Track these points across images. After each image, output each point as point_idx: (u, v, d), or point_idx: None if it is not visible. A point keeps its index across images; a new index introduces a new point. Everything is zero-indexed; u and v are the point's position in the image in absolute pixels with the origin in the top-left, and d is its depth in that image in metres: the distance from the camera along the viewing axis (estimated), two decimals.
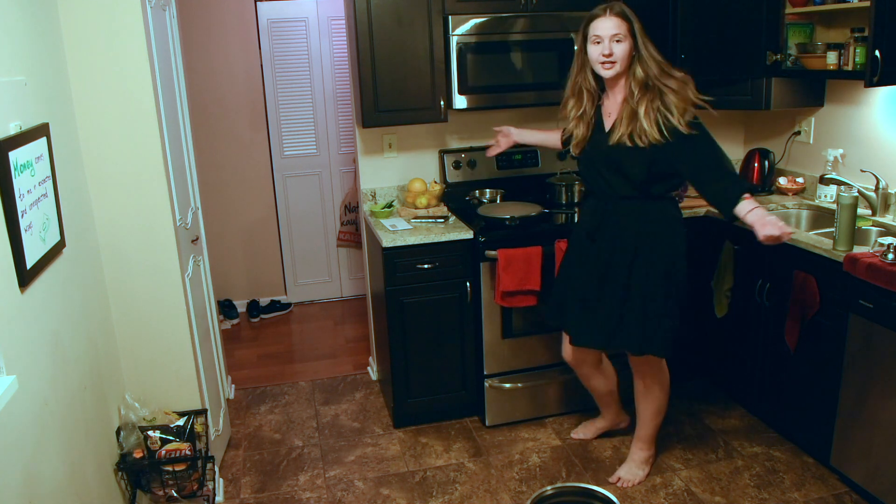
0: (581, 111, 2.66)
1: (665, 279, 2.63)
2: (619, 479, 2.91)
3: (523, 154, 3.70)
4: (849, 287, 2.61)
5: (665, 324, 2.64)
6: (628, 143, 2.51)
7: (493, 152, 3.24)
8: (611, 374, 3.07)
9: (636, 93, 2.50)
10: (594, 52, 2.53)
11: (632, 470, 2.93)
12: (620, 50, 2.49)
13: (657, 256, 2.63)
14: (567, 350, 2.98)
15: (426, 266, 3.17)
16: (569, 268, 2.84)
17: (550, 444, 3.21)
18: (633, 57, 2.51)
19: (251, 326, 4.90)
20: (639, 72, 2.50)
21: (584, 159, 2.74)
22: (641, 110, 2.47)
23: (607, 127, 2.62)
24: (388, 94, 3.25)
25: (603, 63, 2.52)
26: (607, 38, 2.48)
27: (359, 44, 3.18)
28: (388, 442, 3.30)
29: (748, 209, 2.41)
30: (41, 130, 1.99)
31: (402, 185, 3.69)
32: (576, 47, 2.65)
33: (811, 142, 3.54)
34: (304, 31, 4.78)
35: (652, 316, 2.63)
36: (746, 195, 2.43)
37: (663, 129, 2.46)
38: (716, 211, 3.35)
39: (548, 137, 3.12)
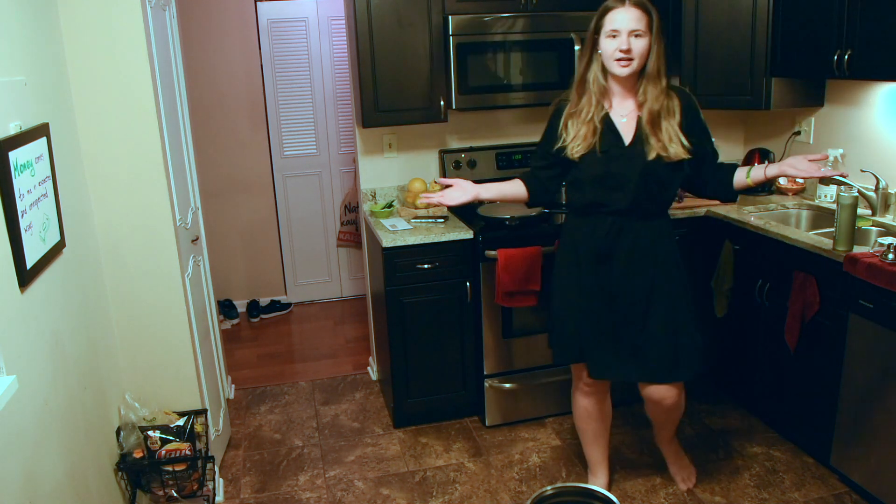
0: (590, 114, 2.34)
1: (686, 297, 2.48)
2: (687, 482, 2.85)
3: (523, 154, 3.70)
4: (849, 287, 2.61)
5: (695, 342, 2.46)
6: (665, 160, 2.30)
7: (436, 200, 2.51)
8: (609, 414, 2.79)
9: (652, 98, 2.28)
10: (609, 46, 2.25)
11: (689, 468, 2.88)
12: (639, 46, 2.23)
13: (676, 274, 2.46)
14: (585, 389, 2.67)
15: (426, 266, 3.17)
16: (571, 297, 2.51)
17: (550, 444, 3.21)
18: (650, 54, 2.26)
19: (251, 326, 4.90)
20: (654, 72, 2.27)
21: (596, 170, 2.36)
22: (663, 124, 2.29)
23: (627, 135, 2.35)
24: (388, 94, 3.25)
25: (619, 60, 2.24)
26: (625, 33, 2.21)
27: (359, 44, 3.18)
28: (388, 442, 3.30)
29: (759, 167, 2.39)
30: (41, 130, 1.99)
31: (402, 185, 3.69)
32: (576, 43, 2.46)
33: (811, 142, 3.54)
34: (304, 31, 4.78)
35: (680, 338, 2.43)
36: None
37: (682, 140, 2.31)
38: (717, 206, 3.36)
39: (509, 188, 2.58)
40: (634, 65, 2.25)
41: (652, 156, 2.29)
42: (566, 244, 2.52)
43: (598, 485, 2.76)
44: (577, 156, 2.35)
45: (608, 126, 2.35)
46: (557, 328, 2.56)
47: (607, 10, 2.26)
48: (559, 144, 2.40)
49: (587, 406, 2.69)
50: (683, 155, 2.30)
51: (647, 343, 2.43)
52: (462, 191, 2.49)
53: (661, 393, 2.52)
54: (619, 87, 2.35)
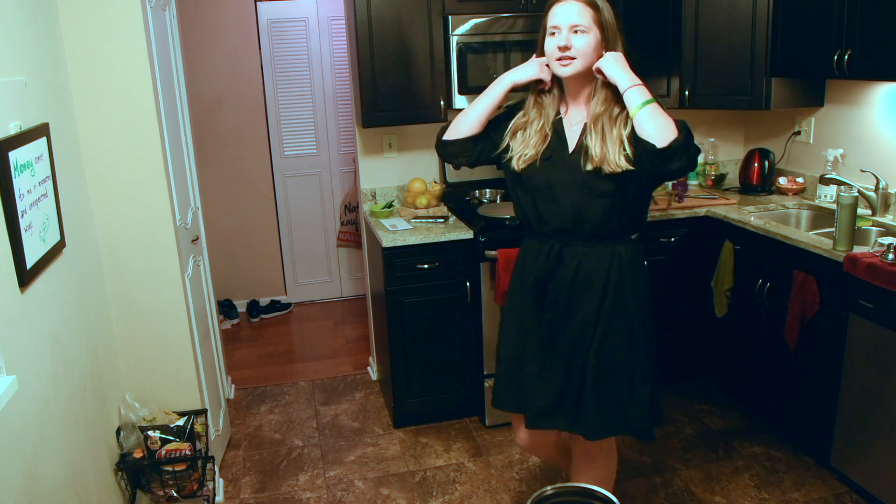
0: (541, 122, 2.09)
1: (640, 341, 2.10)
2: None
3: None
4: (849, 287, 2.61)
5: (642, 398, 2.09)
6: (606, 170, 1.97)
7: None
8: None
9: (599, 101, 2.00)
10: (550, 45, 1.99)
11: None
12: (582, 43, 1.94)
13: (624, 314, 2.08)
14: (523, 435, 2.32)
15: (426, 266, 3.17)
16: (512, 335, 2.21)
17: None
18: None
19: (251, 326, 4.90)
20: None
21: (536, 180, 2.08)
22: (614, 131, 1.98)
23: (573, 142, 2.06)
24: (388, 94, 3.25)
25: (560, 59, 1.97)
26: (566, 28, 1.95)
27: (359, 44, 3.18)
28: (388, 442, 3.30)
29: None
30: (41, 130, 1.99)
31: (402, 185, 3.69)
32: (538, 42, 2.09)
33: (811, 142, 3.54)
34: (304, 31, 4.78)
35: (623, 390, 2.08)
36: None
37: (627, 151, 1.97)
38: (717, 205, 3.36)
39: (488, 109, 2.15)
40: (578, 64, 1.97)
41: (589, 167, 1.99)
42: (515, 270, 2.25)
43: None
44: (522, 167, 2.09)
45: (557, 132, 2.09)
46: (499, 371, 2.26)
47: (550, 5, 2.01)
48: (499, 151, 2.16)
49: (532, 443, 2.36)
50: (626, 166, 1.95)
51: (577, 389, 2.10)
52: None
53: (585, 446, 2.21)
54: (572, 91, 2.08)
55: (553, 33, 1.99)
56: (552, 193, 2.07)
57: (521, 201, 2.17)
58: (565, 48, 1.96)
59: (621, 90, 1.93)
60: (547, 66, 2.06)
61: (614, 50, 1.99)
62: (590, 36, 1.96)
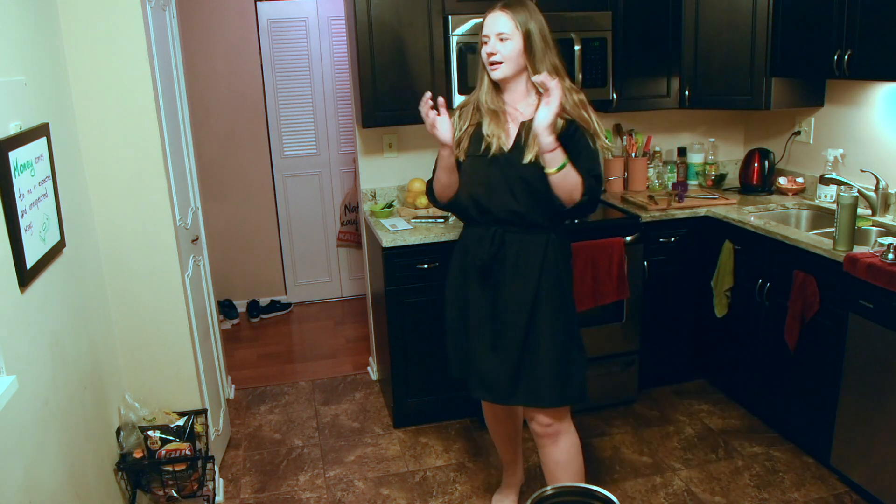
0: (472, 119, 2.33)
1: (571, 317, 2.35)
2: None
3: None
4: (849, 287, 2.61)
5: (580, 365, 2.34)
6: (542, 164, 2.16)
7: (432, 120, 2.28)
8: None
9: (534, 104, 2.20)
10: (483, 53, 2.25)
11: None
12: (507, 49, 2.18)
13: (560, 294, 2.31)
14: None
15: (426, 266, 3.17)
16: (458, 312, 2.44)
17: None
18: (531, 59, 2.21)
19: (251, 326, 4.90)
20: (534, 75, 2.18)
21: (477, 178, 2.31)
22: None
23: (510, 141, 2.27)
24: (388, 94, 3.25)
25: (490, 64, 2.23)
26: (493, 36, 2.20)
27: (359, 44, 3.18)
28: (388, 442, 3.31)
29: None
30: (41, 130, 1.99)
31: (402, 185, 3.69)
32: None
33: (811, 142, 3.54)
34: (304, 31, 4.78)
35: (564, 360, 2.30)
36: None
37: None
38: (717, 205, 3.36)
39: (454, 176, 2.39)
40: (505, 68, 2.21)
41: (526, 160, 2.19)
42: (456, 255, 2.46)
43: (512, 483, 2.75)
44: (463, 157, 2.33)
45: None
46: (448, 342, 2.50)
47: (483, 18, 2.26)
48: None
49: (492, 412, 2.64)
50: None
51: (530, 365, 2.31)
52: (447, 132, 2.28)
53: (547, 419, 2.36)
54: (508, 92, 2.29)
55: (485, 42, 2.24)
56: (491, 187, 2.29)
57: (461, 193, 2.38)
58: (492, 53, 2.22)
59: (541, 150, 2.12)
60: (439, 112, 2.26)
61: (538, 51, 2.19)
62: (514, 42, 2.19)
